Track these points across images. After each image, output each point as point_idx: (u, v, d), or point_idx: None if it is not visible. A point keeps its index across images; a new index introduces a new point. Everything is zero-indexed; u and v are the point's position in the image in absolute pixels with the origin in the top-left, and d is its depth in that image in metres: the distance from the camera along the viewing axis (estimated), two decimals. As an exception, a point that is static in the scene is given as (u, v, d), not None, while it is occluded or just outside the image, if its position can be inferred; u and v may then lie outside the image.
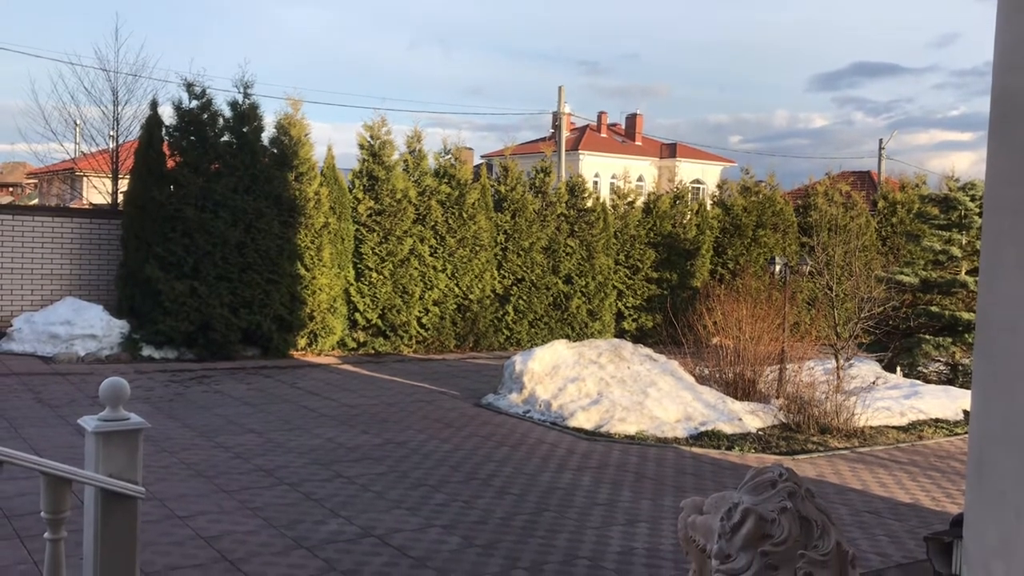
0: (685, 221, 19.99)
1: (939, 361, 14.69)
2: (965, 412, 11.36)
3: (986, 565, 3.07)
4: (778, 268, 13.86)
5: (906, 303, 14.74)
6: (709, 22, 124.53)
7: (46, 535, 3.70)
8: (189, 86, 14.77)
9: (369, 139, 16.49)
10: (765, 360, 11.99)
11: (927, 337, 14.32)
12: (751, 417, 10.65)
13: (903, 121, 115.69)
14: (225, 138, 14.90)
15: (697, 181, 47.29)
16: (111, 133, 19.00)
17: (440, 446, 9.10)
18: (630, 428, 10.11)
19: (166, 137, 14.75)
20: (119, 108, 18.59)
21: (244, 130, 14.99)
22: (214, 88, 27.16)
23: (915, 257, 16.97)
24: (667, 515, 6.96)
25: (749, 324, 12.07)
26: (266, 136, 15.35)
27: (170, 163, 14.71)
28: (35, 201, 37.84)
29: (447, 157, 17.27)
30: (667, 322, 14.22)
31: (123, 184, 16.70)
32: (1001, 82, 3.17)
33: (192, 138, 14.67)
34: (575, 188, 18.67)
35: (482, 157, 46.68)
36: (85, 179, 24.42)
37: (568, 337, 16.55)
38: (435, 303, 16.65)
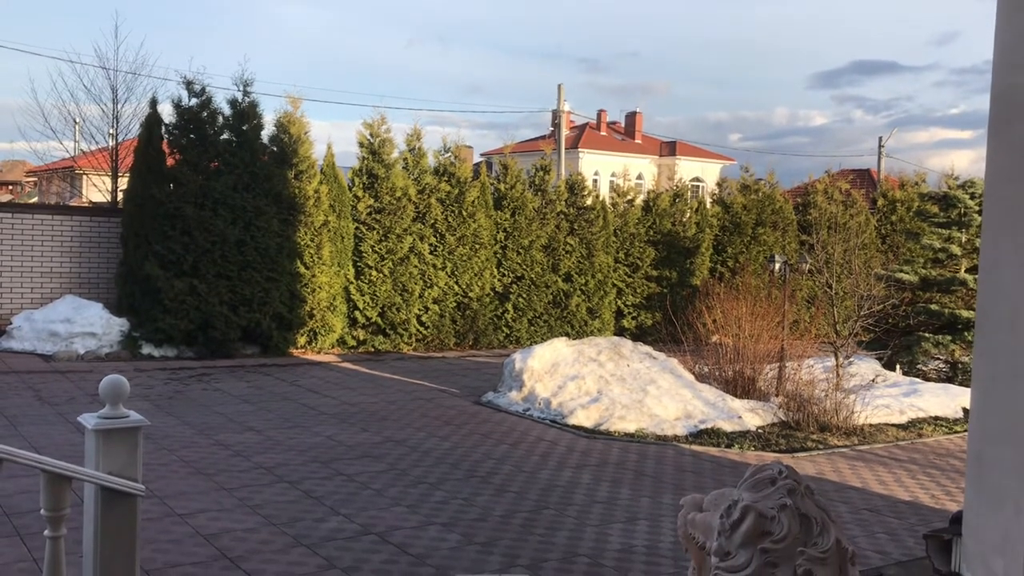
0: (685, 219, 19.99)
1: (938, 359, 14.70)
2: (964, 410, 11.36)
3: (985, 562, 3.08)
4: (778, 266, 13.87)
5: (905, 301, 14.74)
6: (709, 20, 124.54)
7: (46, 533, 3.71)
8: (188, 84, 14.77)
9: (369, 137, 16.49)
10: (765, 358, 11.99)
11: (926, 335, 14.33)
12: (751, 415, 10.66)
13: (903, 119, 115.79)
14: (225, 136, 14.90)
15: (697, 179, 47.34)
16: (111, 131, 19.01)
17: (440, 444, 9.10)
18: (630, 426, 10.12)
19: (166, 135, 14.75)
20: (119, 106, 18.61)
21: (244, 128, 14.99)
22: (214, 86, 27.17)
23: (915, 255, 16.98)
24: (666, 513, 6.97)
25: (749, 322, 12.07)
26: (266, 134, 15.35)
27: (170, 161, 14.71)
28: (35, 199, 37.81)
29: (447, 155, 17.27)
30: (667, 320, 14.22)
31: (123, 182, 16.70)
32: (1001, 81, 3.18)
33: (192, 136, 14.67)
34: (575, 186, 18.67)
35: (482, 155, 46.66)
36: (85, 177, 24.43)
37: (568, 335, 16.54)
38: (435, 301, 16.66)
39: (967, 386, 11.42)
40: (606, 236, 18.64)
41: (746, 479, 2.74)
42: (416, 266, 16.41)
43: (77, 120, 20.10)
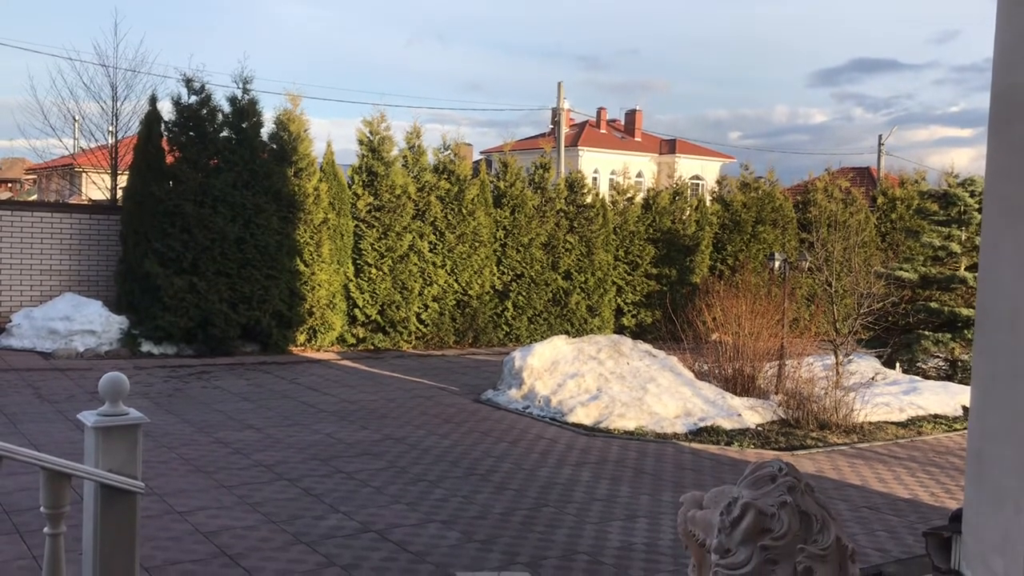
0: (684, 217, 19.98)
1: (938, 357, 14.70)
2: (964, 408, 11.37)
3: (985, 560, 3.08)
4: (777, 264, 13.87)
5: (905, 299, 14.75)
6: (709, 18, 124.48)
7: (45, 530, 3.70)
8: (188, 81, 14.75)
9: (368, 135, 16.48)
10: (764, 356, 11.99)
11: (926, 333, 14.33)
12: (750, 413, 10.66)
13: (903, 117, 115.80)
14: (224, 134, 14.89)
15: (696, 177, 47.31)
16: (110, 129, 19.01)
17: (439, 442, 9.10)
18: (629, 424, 10.12)
19: (165, 133, 14.74)
20: (118, 104, 18.61)
21: (243, 126, 14.97)
22: (213, 84, 27.12)
23: (914, 253, 16.97)
24: (666, 510, 6.97)
25: (748, 320, 12.07)
26: (265, 132, 15.34)
27: (169, 159, 14.70)
28: (34, 197, 37.80)
29: (446, 153, 17.26)
30: (666, 318, 14.22)
31: (122, 180, 16.70)
32: (1001, 79, 3.18)
33: (191, 133, 14.65)
34: (574, 184, 18.67)
35: (481, 153, 46.64)
36: (84, 175, 24.43)
37: (567, 333, 16.54)
38: (434, 299, 16.65)
39: (967, 384, 11.43)
40: (606, 234, 18.64)
41: (746, 476, 2.74)
42: (416, 264, 16.41)
43: (76, 117, 20.12)
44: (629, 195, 19.76)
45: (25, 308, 14.62)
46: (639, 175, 43.32)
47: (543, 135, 40.16)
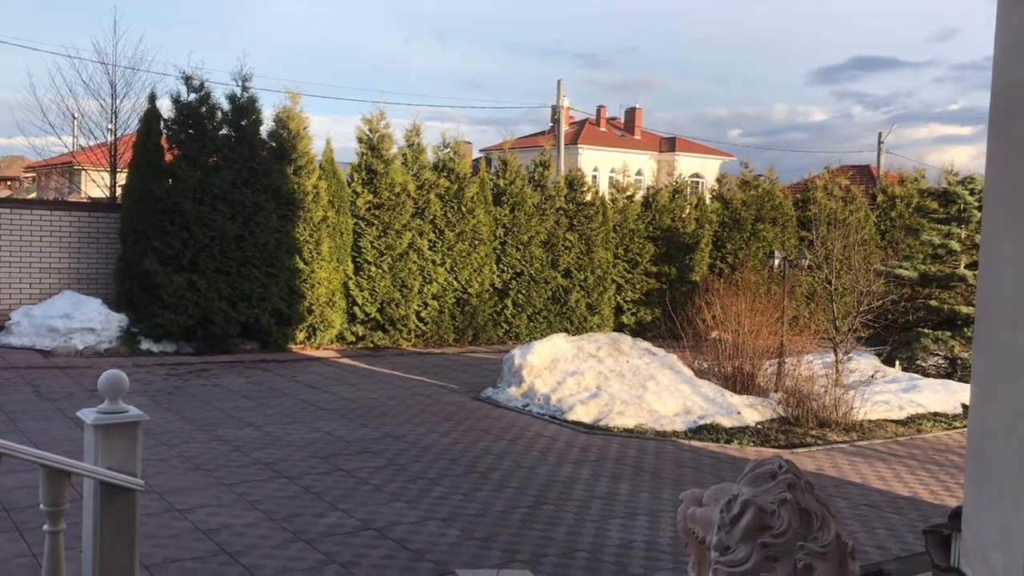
0: (684, 215, 19.98)
1: (938, 355, 14.71)
2: (964, 406, 11.37)
3: (984, 557, 3.08)
4: (777, 262, 13.87)
5: (905, 297, 14.74)
6: (708, 16, 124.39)
7: (45, 528, 3.70)
8: (187, 79, 14.73)
9: (368, 133, 16.46)
10: (764, 354, 12.00)
11: (926, 331, 14.33)
12: (750, 411, 10.66)
13: (902, 115, 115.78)
14: (223, 131, 14.88)
15: (696, 175, 47.31)
16: (109, 126, 19.00)
17: (439, 439, 9.10)
18: (629, 421, 10.12)
19: (164, 130, 14.73)
20: (117, 101, 18.61)
21: (242, 123, 14.97)
22: (212, 81, 27.06)
23: (914, 251, 16.97)
24: (666, 508, 6.97)
25: (748, 318, 12.07)
26: (264, 129, 15.32)
27: (168, 156, 14.68)
28: (33, 195, 37.79)
29: (446, 151, 17.25)
30: (666, 316, 14.22)
31: (121, 178, 16.69)
32: (1001, 77, 3.17)
33: (190, 131, 14.64)
34: (574, 182, 18.66)
35: (481, 151, 46.62)
36: (83, 173, 24.40)
37: (567, 331, 16.55)
38: (434, 297, 16.65)
39: (966, 382, 11.44)
40: (605, 232, 18.63)
41: (746, 474, 2.74)
42: (415, 262, 16.40)
43: (76, 115, 20.11)
44: (629, 193, 19.75)
45: (24, 306, 14.62)
46: (639, 173, 43.32)
47: (543, 133, 40.13)
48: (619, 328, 18.46)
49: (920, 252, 16.41)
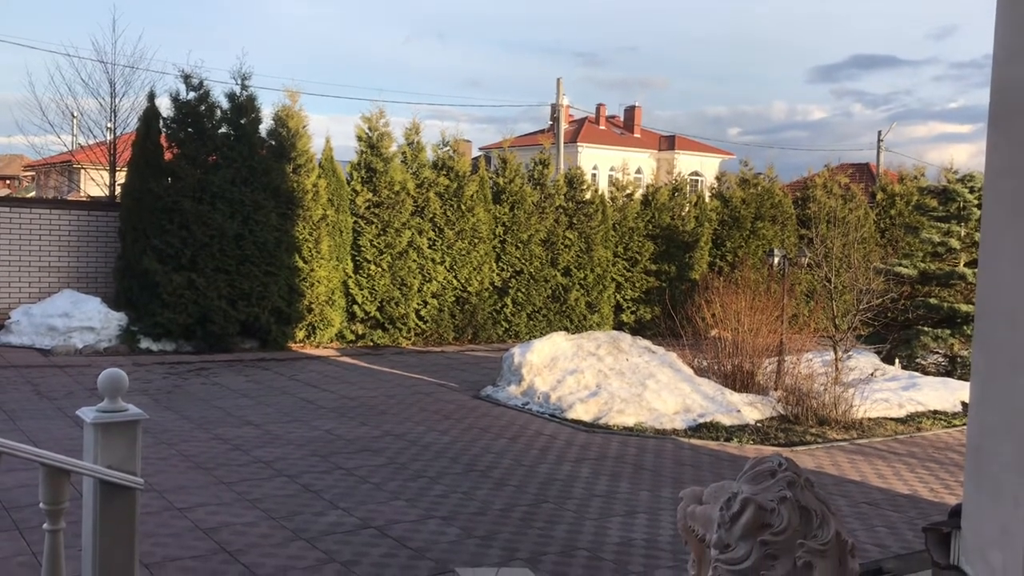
0: (684, 213, 19.98)
1: (937, 353, 14.71)
2: (963, 404, 11.37)
3: (984, 555, 3.08)
4: (776, 260, 13.87)
5: (904, 295, 14.75)
6: (708, 14, 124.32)
7: (45, 526, 3.70)
8: (187, 78, 14.73)
9: (367, 131, 16.46)
10: (763, 352, 12.00)
11: (925, 329, 14.33)
12: (749, 409, 10.67)
13: (902, 113, 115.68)
14: (223, 130, 14.87)
15: (696, 173, 47.31)
16: (108, 125, 19.00)
17: (439, 438, 9.10)
18: (628, 420, 10.13)
19: (164, 129, 14.72)
20: (116, 100, 18.61)
21: (242, 122, 14.96)
22: (212, 80, 27.08)
23: (913, 249, 16.97)
24: (665, 506, 6.98)
25: (747, 316, 12.07)
26: (264, 128, 15.32)
27: (168, 155, 14.68)
28: (32, 194, 37.76)
29: (445, 149, 17.24)
30: (665, 314, 14.23)
31: (120, 176, 16.69)
32: (1001, 75, 3.17)
33: (190, 130, 14.63)
34: (573, 180, 18.65)
35: (480, 149, 46.58)
36: (82, 171, 24.41)
37: (567, 329, 16.55)
38: (433, 295, 16.65)
39: (966, 380, 11.44)
40: (605, 230, 18.63)
41: (746, 471, 2.74)
42: (415, 260, 16.40)
43: (75, 114, 20.12)
44: (628, 191, 19.75)
45: (24, 305, 14.62)
46: (638, 171, 43.33)
47: (542, 131, 40.12)
48: (619, 326, 18.45)
49: (919, 250, 16.41)
